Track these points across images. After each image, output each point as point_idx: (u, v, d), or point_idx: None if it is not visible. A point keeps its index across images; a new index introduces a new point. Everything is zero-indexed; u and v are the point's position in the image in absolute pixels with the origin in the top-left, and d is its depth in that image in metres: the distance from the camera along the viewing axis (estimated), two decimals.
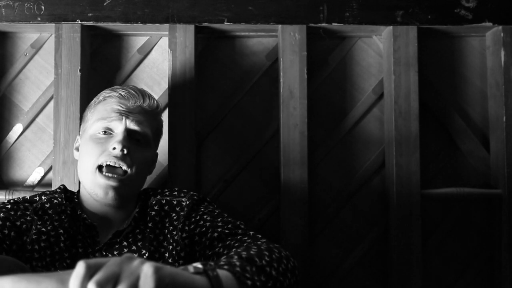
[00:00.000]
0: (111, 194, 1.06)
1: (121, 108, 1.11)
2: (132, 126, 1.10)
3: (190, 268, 0.71)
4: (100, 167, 1.07)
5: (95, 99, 1.17)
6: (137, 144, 1.11)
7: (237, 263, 0.78)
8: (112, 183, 1.06)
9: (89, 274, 0.60)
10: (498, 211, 1.43)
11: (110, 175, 1.06)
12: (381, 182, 1.45)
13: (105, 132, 1.09)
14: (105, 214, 1.11)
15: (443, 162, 1.47)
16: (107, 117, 1.10)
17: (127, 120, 1.10)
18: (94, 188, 1.07)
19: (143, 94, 1.15)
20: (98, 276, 0.59)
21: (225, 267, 0.75)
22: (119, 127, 1.09)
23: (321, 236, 1.44)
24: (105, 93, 1.16)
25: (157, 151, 1.23)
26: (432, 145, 1.47)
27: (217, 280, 0.70)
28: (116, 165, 1.06)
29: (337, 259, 1.43)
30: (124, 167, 1.07)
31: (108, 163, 1.06)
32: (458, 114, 1.47)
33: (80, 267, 0.60)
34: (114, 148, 1.07)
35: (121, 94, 1.13)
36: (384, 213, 1.44)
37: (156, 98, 1.43)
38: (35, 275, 0.64)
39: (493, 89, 1.46)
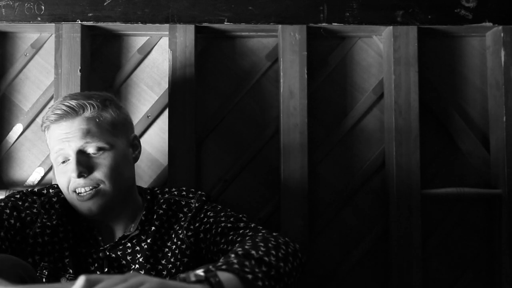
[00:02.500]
0: (94, 208, 1.05)
1: (61, 132, 1.05)
2: (79, 145, 1.05)
3: (192, 276, 0.71)
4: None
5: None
6: (95, 156, 1.06)
7: (235, 261, 0.79)
8: (88, 201, 1.05)
9: (89, 287, 0.61)
10: (498, 211, 1.42)
11: (84, 195, 1.05)
12: (381, 182, 1.45)
13: (63, 161, 1.07)
14: (102, 218, 1.11)
15: (443, 162, 1.47)
16: (55, 149, 1.06)
17: (71, 143, 1.04)
18: (79, 209, 1.07)
19: (72, 107, 1.06)
20: (101, 285, 0.60)
21: (223, 267, 0.76)
22: (70, 153, 1.05)
23: (321, 236, 1.44)
24: (43, 120, 1.10)
25: (135, 134, 1.18)
26: (432, 145, 1.47)
27: (219, 286, 0.71)
28: (87, 189, 1.05)
29: (337, 259, 1.43)
30: (94, 185, 1.05)
31: (77, 191, 1.05)
32: (458, 114, 1.47)
33: (81, 280, 0.61)
34: (74, 176, 1.04)
35: (52, 120, 1.07)
36: (384, 213, 1.44)
37: (156, 98, 1.44)
38: (38, 286, 0.65)
39: (493, 89, 1.46)
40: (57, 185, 1.15)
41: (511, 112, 1.41)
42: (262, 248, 0.86)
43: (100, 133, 1.07)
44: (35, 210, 1.07)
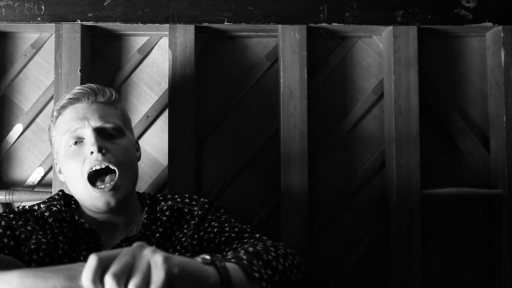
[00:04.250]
0: (112, 202, 1.04)
1: (79, 113, 1.07)
2: (98, 124, 1.06)
3: (198, 259, 0.72)
4: (90, 179, 1.04)
5: (51, 117, 1.14)
6: (110, 139, 1.07)
7: (244, 257, 0.80)
8: (109, 192, 1.03)
9: (102, 266, 0.60)
10: (498, 211, 1.43)
11: (102, 186, 1.03)
12: (381, 182, 1.45)
13: (75, 142, 1.06)
14: (105, 219, 1.10)
15: (443, 162, 1.47)
16: (71, 129, 1.06)
17: (90, 121, 1.06)
18: (94, 203, 1.05)
19: (92, 89, 1.10)
20: (114, 268, 0.60)
21: (232, 260, 0.77)
22: (86, 132, 1.05)
23: (321, 236, 1.44)
24: (56, 107, 1.11)
25: (135, 138, 1.20)
26: (432, 145, 1.47)
27: (224, 270, 0.72)
28: (102, 166, 1.03)
29: (337, 259, 1.43)
30: (110, 165, 1.04)
31: (94, 168, 1.03)
32: (458, 114, 1.47)
33: (92, 260, 0.60)
34: (92, 153, 1.03)
35: (71, 99, 1.09)
36: (384, 213, 1.44)
37: (156, 98, 1.44)
38: (42, 270, 0.64)
39: (493, 89, 1.46)
40: (47, 199, 1.14)
41: (511, 112, 1.41)
42: (272, 253, 0.87)
43: (116, 118, 1.10)
44: (29, 227, 1.05)
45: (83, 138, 1.06)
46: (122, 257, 0.61)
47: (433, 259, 1.45)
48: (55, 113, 1.11)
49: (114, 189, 1.04)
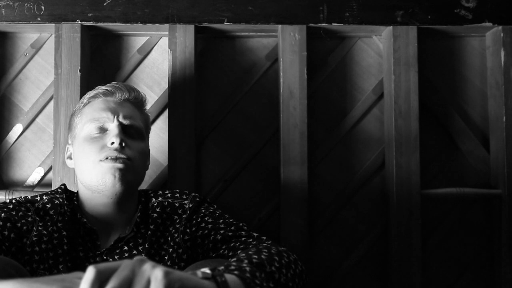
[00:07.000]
0: (118, 176, 1.04)
1: (109, 106, 1.11)
2: (124, 121, 1.10)
3: (199, 273, 0.71)
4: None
5: (79, 104, 1.16)
6: (131, 138, 1.10)
7: (247, 269, 0.78)
8: (118, 165, 1.05)
9: (100, 280, 0.60)
10: (498, 211, 1.43)
11: (114, 159, 1.05)
12: (381, 182, 1.45)
13: (99, 132, 1.09)
14: (105, 217, 1.10)
15: (443, 162, 1.47)
16: (98, 118, 1.10)
17: (118, 116, 1.10)
18: (102, 177, 1.05)
19: (126, 87, 1.15)
20: (112, 283, 0.59)
21: (235, 272, 0.76)
22: (112, 124, 1.09)
23: (321, 236, 1.44)
24: (88, 95, 1.15)
25: (149, 148, 1.21)
26: (432, 145, 1.47)
27: (225, 285, 0.71)
28: (119, 157, 1.05)
29: (337, 259, 1.43)
30: (126, 160, 1.06)
31: (109, 157, 1.05)
32: (458, 114, 1.47)
33: (90, 273, 0.59)
34: (112, 143, 1.06)
35: (106, 90, 1.13)
36: (384, 213, 1.44)
37: (156, 98, 1.44)
38: (37, 281, 0.64)
39: (493, 89, 1.46)
40: (50, 191, 1.14)
41: (511, 112, 1.42)
42: (276, 264, 0.86)
43: (141, 121, 1.15)
44: (30, 219, 1.06)
45: (107, 129, 1.09)
46: (121, 271, 0.60)
47: (433, 259, 1.45)
48: (85, 101, 1.15)
49: (125, 163, 1.05)
